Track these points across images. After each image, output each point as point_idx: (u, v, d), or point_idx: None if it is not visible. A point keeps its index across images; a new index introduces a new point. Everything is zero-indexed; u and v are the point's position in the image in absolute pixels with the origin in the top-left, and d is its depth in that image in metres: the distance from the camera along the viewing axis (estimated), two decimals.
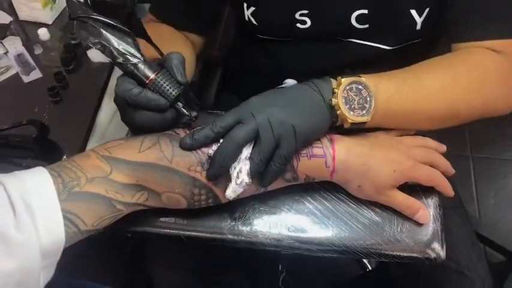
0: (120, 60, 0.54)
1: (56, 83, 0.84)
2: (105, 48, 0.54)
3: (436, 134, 0.66)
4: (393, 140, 0.62)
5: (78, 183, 0.50)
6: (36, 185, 0.48)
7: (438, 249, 0.57)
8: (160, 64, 0.57)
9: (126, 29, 0.55)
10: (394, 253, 0.57)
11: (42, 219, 0.46)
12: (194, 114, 0.57)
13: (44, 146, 0.74)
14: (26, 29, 0.96)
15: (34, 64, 0.88)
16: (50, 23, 0.98)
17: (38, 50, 0.91)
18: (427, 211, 0.59)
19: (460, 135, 1.53)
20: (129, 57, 0.54)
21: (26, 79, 0.86)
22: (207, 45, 0.90)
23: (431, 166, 0.60)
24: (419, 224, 0.59)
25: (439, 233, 0.59)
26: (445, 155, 0.63)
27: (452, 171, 0.62)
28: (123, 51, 0.54)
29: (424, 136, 0.64)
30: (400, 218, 0.59)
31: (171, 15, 0.79)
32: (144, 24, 0.79)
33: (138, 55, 0.55)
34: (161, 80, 0.54)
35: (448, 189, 0.60)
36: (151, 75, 0.54)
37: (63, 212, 0.48)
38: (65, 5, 1.00)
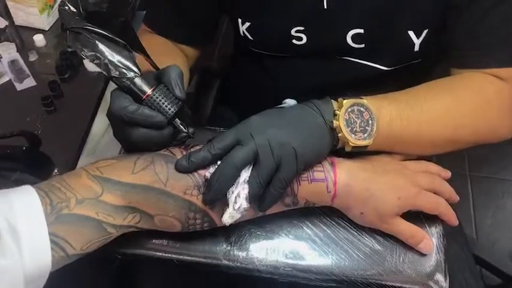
0: (116, 74, 0.52)
1: (50, 92, 0.82)
2: (100, 61, 0.52)
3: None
4: (397, 164, 0.60)
5: (68, 204, 0.48)
6: (23, 206, 0.46)
7: (441, 281, 0.55)
8: (157, 78, 0.54)
9: (122, 41, 0.53)
10: (396, 284, 0.55)
11: (27, 243, 0.44)
12: (192, 130, 0.55)
13: (34, 159, 0.71)
14: (21, 35, 0.94)
15: (28, 71, 0.86)
16: (47, 29, 0.96)
17: (33, 57, 0.89)
18: (431, 241, 0.57)
19: (457, 153, 1.51)
20: (125, 71, 0.52)
21: (19, 87, 0.84)
22: (205, 56, 0.89)
23: (436, 193, 0.58)
24: (422, 254, 0.57)
25: (443, 264, 0.57)
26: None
27: (456, 198, 0.60)
28: (118, 64, 0.52)
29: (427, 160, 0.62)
30: (402, 247, 0.57)
31: (166, 27, 0.78)
32: (139, 35, 0.78)
33: (135, 69, 0.52)
34: (159, 95, 0.52)
35: (452, 219, 0.59)
36: (149, 91, 0.52)
37: (50, 236, 0.45)
38: None
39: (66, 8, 0.53)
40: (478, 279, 0.83)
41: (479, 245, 1.38)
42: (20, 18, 0.95)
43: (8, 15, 0.95)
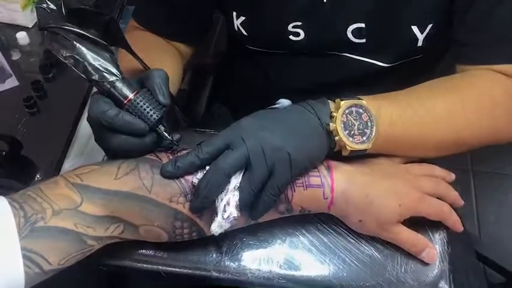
0: (96, 77, 0.49)
1: (33, 93, 0.78)
2: (79, 64, 0.49)
3: None
4: (398, 168, 0.57)
5: (43, 216, 0.45)
6: None
7: None
8: (141, 82, 0.51)
9: (104, 42, 0.50)
10: None
11: None
12: (177, 137, 0.52)
13: (15, 163, 0.68)
14: (3, 32, 0.90)
15: (10, 71, 0.82)
16: (30, 26, 0.92)
17: (16, 56, 0.86)
18: (434, 249, 0.54)
19: None
20: (105, 74, 0.49)
21: (0, 87, 0.80)
22: (200, 52, 0.86)
23: (439, 198, 0.55)
24: (425, 264, 0.54)
25: (447, 274, 0.54)
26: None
27: (461, 203, 0.57)
28: (99, 67, 0.49)
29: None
30: (404, 255, 0.54)
31: (157, 23, 0.74)
32: (127, 32, 0.75)
33: (116, 72, 0.50)
34: (141, 101, 0.49)
35: (457, 225, 0.55)
36: (130, 95, 0.49)
37: (23, 251, 0.43)
38: None
39: (44, 5, 0.50)
40: (481, 278, 0.81)
41: (482, 242, 1.36)
42: (1, 15, 0.91)
43: None
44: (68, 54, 0.49)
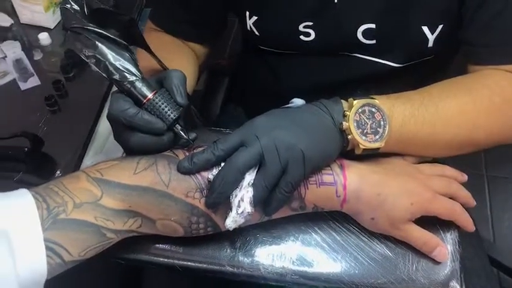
0: (116, 77, 0.50)
1: (54, 92, 0.81)
2: (100, 63, 0.50)
3: None
4: (410, 167, 0.57)
5: (65, 209, 0.46)
6: (17, 211, 0.44)
7: None
8: (160, 82, 0.53)
9: (124, 43, 0.51)
10: None
11: (21, 250, 0.42)
12: (192, 136, 0.53)
13: (36, 160, 0.70)
14: (26, 33, 0.93)
15: (32, 70, 0.85)
16: (52, 27, 0.95)
17: (38, 56, 0.88)
18: (445, 248, 0.54)
19: (474, 153, 1.48)
20: (126, 74, 0.50)
21: (23, 86, 0.83)
22: (215, 54, 0.87)
23: (451, 198, 0.56)
24: (437, 262, 0.54)
25: (458, 273, 0.54)
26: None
27: (473, 203, 0.57)
28: (119, 67, 0.51)
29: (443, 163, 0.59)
30: (415, 254, 0.55)
31: (173, 24, 0.76)
32: (145, 33, 0.77)
33: (136, 72, 0.51)
34: (159, 100, 0.51)
35: (468, 225, 0.56)
36: (149, 95, 0.51)
37: (46, 242, 0.44)
38: None
39: (68, 6, 0.51)
40: (494, 283, 0.80)
41: (497, 247, 1.35)
42: (25, 17, 0.94)
43: (13, 13, 0.94)
44: (90, 54, 0.50)
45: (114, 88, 0.53)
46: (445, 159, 0.61)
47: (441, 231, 0.56)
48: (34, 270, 0.43)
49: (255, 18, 0.73)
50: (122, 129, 0.51)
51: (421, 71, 0.72)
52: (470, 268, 0.79)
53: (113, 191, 0.49)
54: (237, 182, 0.49)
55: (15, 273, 0.41)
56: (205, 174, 0.51)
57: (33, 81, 0.84)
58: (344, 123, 0.52)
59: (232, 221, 0.49)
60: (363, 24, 0.67)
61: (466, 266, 0.77)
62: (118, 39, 0.51)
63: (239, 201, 0.49)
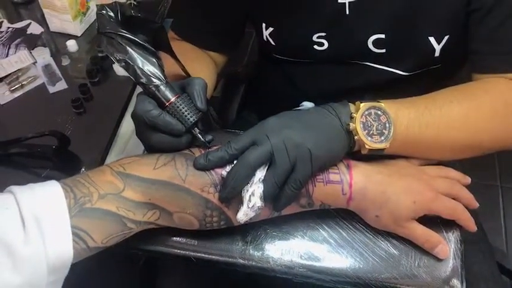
0: (143, 80, 0.54)
1: (80, 95, 0.85)
2: (129, 67, 0.54)
3: (464, 162, 0.63)
4: (414, 168, 0.60)
5: (90, 199, 0.50)
6: (47, 199, 0.48)
7: (457, 287, 0.55)
8: (183, 87, 0.57)
9: (152, 49, 0.55)
10: None
11: (51, 234, 0.46)
12: (209, 138, 0.57)
13: (63, 157, 0.74)
14: (55, 41, 0.98)
15: (60, 75, 0.89)
16: (79, 35, 0.99)
17: (66, 61, 0.93)
18: (447, 246, 0.57)
19: (488, 163, 1.47)
20: (152, 78, 0.54)
21: (51, 89, 0.88)
22: (233, 62, 0.91)
23: (454, 199, 0.58)
24: (438, 259, 0.56)
25: (459, 270, 0.56)
26: (472, 185, 0.60)
27: (476, 204, 0.59)
28: (147, 71, 0.54)
29: (448, 166, 0.62)
30: (418, 251, 0.57)
31: (193, 34, 0.80)
32: None
33: (161, 76, 0.55)
34: (180, 104, 0.54)
35: (470, 224, 0.58)
36: (172, 98, 0.55)
37: (72, 228, 0.48)
38: (94, 18, 1.02)
39: (104, 12, 0.55)
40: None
41: (510, 257, 1.34)
42: (54, 25, 0.99)
43: (43, 22, 1.00)
44: (121, 58, 0.54)
45: (138, 89, 0.57)
46: (453, 165, 0.62)
47: (443, 230, 0.58)
48: (61, 253, 0.46)
49: (271, 29, 0.76)
50: (144, 128, 0.55)
51: (428, 79, 0.74)
52: (478, 273, 0.80)
53: (134, 184, 0.52)
54: (248, 178, 0.52)
55: (45, 256, 0.45)
56: (219, 170, 0.54)
57: (61, 85, 0.88)
58: (351, 124, 0.54)
59: (243, 214, 0.52)
60: (373, 35, 0.70)
61: (474, 269, 0.78)
62: (147, 45, 0.55)
63: (250, 195, 0.52)
